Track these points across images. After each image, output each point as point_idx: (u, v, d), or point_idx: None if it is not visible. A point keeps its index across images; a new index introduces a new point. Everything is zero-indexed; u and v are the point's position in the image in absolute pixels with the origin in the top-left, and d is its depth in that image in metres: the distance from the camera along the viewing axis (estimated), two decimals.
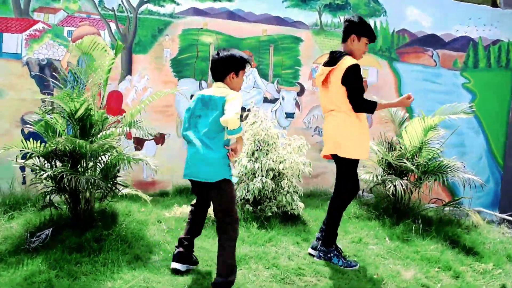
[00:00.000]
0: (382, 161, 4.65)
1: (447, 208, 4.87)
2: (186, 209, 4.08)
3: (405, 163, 4.36)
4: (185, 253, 3.15)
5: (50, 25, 4.70)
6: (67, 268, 3.05)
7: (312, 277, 3.37)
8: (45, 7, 4.69)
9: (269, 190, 4.16)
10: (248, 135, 4.35)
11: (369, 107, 3.33)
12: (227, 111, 2.73)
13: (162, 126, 5.11)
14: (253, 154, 4.30)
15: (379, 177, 4.55)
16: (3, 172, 4.40)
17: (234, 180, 2.98)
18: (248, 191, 4.20)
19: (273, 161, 4.21)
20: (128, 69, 4.99)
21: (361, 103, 3.31)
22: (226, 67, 2.87)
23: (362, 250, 3.95)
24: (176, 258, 3.13)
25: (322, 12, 5.61)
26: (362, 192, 5.01)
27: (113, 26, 4.91)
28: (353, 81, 3.28)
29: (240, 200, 4.27)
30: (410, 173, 4.58)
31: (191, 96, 5.21)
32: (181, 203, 4.46)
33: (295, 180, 4.38)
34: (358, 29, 3.34)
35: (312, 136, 5.61)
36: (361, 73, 3.33)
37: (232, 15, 5.29)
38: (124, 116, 3.81)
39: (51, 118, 3.58)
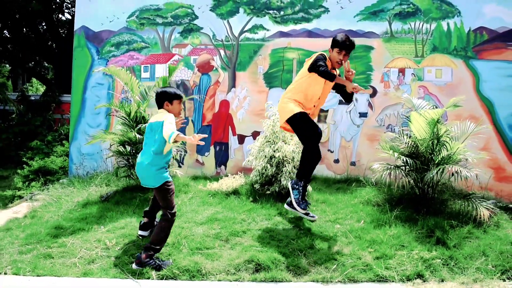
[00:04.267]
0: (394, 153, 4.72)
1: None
2: (214, 185, 5.35)
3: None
4: (148, 223, 4.13)
5: (182, 56, 6.84)
6: (100, 213, 4.66)
7: (244, 239, 3.76)
8: (179, 44, 6.86)
9: (269, 173, 5.07)
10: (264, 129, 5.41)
11: (329, 75, 4.02)
12: (165, 128, 3.58)
13: (258, 126, 6.67)
14: (262, 145, 5.31)
15: (382, 167, 4.66)
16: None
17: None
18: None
19: (273, 150, 5.09)
20: (233, 83, 6.74)
21: (324, 70, 4.01)
22: (161, 99, 3.83)
23: (324, 226, 4.11)
24: (141, 227, 4.13)
25: (392, 21, 6.19)
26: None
27: (222, 52, 6.74)
28: (317, 63, 4.06)
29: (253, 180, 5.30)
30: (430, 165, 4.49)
31: None
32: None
33: (292, 167, 5.06)
34: (332, 43, 4.27)
35: (384, 132, 6.24)
36: (326, 62, 4.12)
37: (310, 34, 6.46)
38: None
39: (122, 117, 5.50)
